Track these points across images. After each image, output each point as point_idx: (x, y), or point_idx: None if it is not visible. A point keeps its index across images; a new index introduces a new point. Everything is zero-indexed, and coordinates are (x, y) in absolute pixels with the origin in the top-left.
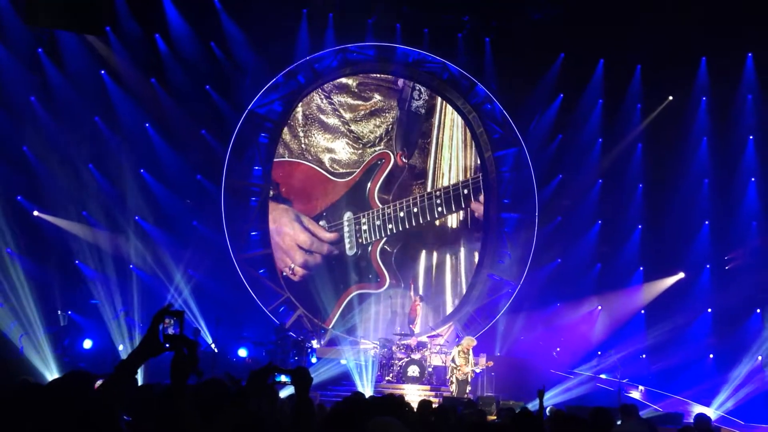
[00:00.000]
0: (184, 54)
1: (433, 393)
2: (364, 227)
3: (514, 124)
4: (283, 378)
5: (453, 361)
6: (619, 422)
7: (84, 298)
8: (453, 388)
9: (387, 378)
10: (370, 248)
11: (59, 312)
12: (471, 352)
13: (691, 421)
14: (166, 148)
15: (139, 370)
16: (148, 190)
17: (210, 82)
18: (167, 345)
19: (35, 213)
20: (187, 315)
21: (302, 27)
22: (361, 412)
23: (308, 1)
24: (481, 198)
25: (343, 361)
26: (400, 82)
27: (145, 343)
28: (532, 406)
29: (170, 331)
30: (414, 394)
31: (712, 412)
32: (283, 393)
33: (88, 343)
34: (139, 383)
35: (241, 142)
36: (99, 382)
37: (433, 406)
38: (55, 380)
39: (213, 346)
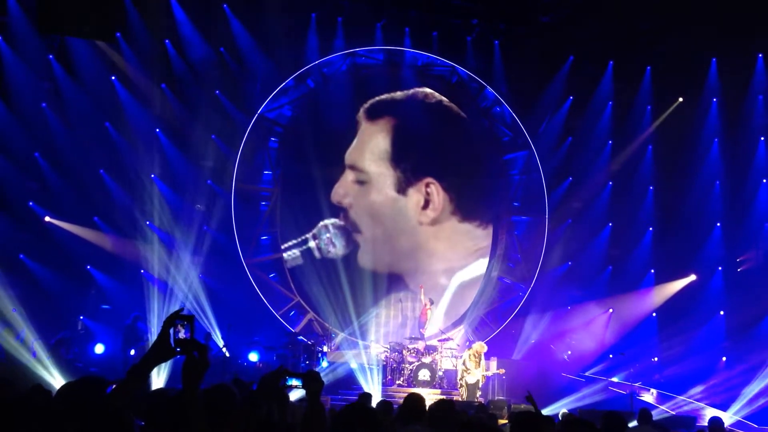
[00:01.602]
0: (194, 59)
1: (443, 397)
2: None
3: (523, 126)
4: (294, 382)
5: (464, 364)
6: (632, 424)
7: (95, 303)
8: (462, 391)
9: (398, 382)
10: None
11: (80, 318)
12: (482, 357)
13: (705, 424)
14: (177, 154)
15: (162, 375)
16: (158, 195)
17: (220, 87)
18: (178, 349)
19: (47, 218)
20: (198, 319)
21: (311, 31)
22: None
23: (317, 5)
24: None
25: (353, 365)
26: None
27: (156, 348)
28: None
29: (181, 335)
30: (426, 398)
31: (726, 416)
32: (292, 396)
33: (99, 348)
34: (155, 388)
35: (251, 146)
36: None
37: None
38: (68, 385)
39: (225, 350)
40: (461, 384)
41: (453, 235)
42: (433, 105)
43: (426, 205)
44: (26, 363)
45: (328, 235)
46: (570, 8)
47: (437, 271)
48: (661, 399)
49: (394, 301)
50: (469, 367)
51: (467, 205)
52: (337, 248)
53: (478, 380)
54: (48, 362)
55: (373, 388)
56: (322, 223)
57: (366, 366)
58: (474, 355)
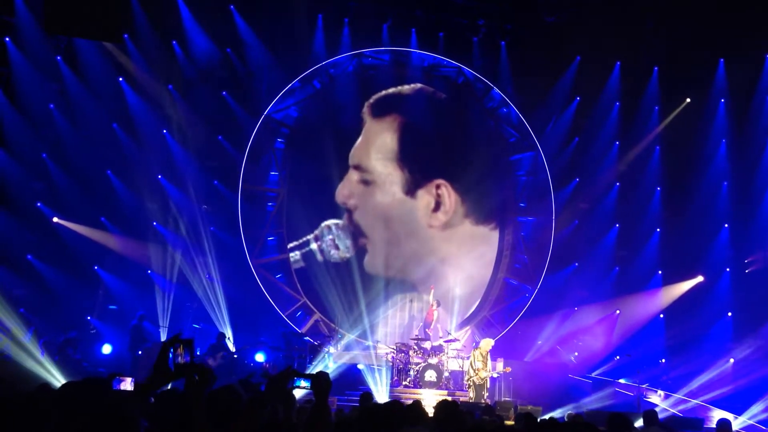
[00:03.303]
0: (200, 61)
1: (450, 398)
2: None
3: (530, 127)
4: (303, 383)
5: (471, 365)
6: (637, 424)
7: (103, 303)
8: (471, 392)
9: (404, 383)
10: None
11: (88, 318)
12: (489, 355)
13: (713, 426)
14: (184, 154)
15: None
16: (165, 196)
17: (226, 88)
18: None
19: (55, 219)
20: (212, 321)
21: (318, 32)
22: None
23: (324, 6)
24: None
25: (360, 366)
26: None
27: (156, 372)
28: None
29: (181, 359)
30: (432, 399)
31: (739, 420)
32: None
33: (107, 349)
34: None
35: (257, 147)
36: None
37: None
38: (71, 385)
39: (235, 355)
40: (469, 385)
41: (467, 239)
42: (440, 101)
43: (437, 207)
44: (33, 362)
45: (330, 236)
46: (576, 8)
47: (449, 276)
48: (668, 400)
49: (401, 302)
50: (477, 368)
51: (477, 206)
52: (340, 250)
53: (485, 379)
54: (54, 362)
55: (381, 388)
56: (324, 224)
57: (373, 367)
58: (481, 355)
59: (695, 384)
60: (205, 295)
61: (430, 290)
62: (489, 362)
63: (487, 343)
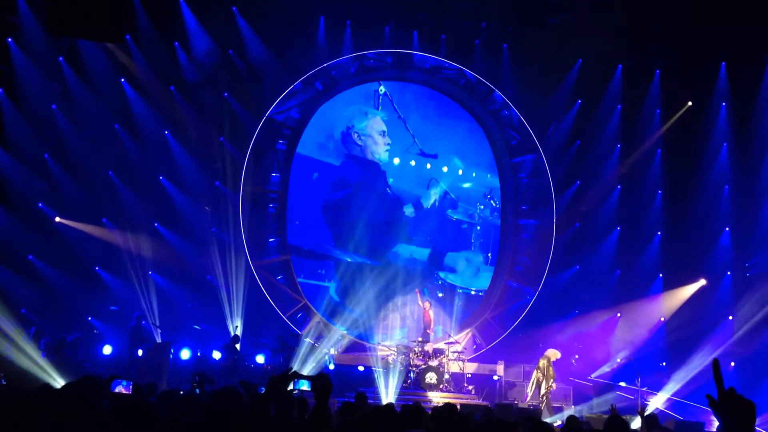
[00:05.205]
0: (202, 62)
1: (453, 400)
2: None
3: (531, 130)
4: (304, 386)
5: (542, 373)
6: (634, 425)
7: (104, 304)
8: (543, 407)
9: (404, 385)
10: None
11: (88, 319)
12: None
13: (713, 429)
14: (185, 155)
15: (161, 377)
16: (167, 196)
17: (228, 89)
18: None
19: (57, 219)
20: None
21: (320, 34)
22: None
23: (326, 8)
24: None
25: (360, 368)
26: None
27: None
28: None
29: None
30: (439, 402)
31: None
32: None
33: (107, 349)
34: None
35: (259, 148)
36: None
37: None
38: (70, 385)
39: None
40: (543, 399)
41: None
42: None
43: None
44: (32, 364)
45: None
46: (579, 11)
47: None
48: (669, 404)
49: (401, 304)
50: (549, 375)
51: None
52: None
53: (549, 389)
54: (51, 363)
55: (383, 390)
56: None
57: (376, 369)
58: (548, 363)
59: (696, 387)
60: (210, 296)
61: (416, 293)
62: (551, 371)
63: (553, 353)
